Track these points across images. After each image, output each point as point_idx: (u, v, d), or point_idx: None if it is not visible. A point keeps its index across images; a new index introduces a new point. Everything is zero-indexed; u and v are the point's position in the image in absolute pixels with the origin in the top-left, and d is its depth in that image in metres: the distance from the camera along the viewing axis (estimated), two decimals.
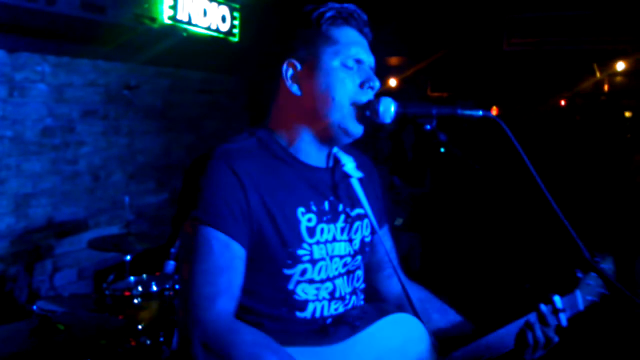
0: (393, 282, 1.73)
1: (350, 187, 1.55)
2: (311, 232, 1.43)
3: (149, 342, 3.12)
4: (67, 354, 2.46)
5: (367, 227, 1.60)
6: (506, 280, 4.99)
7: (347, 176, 1.55)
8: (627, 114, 8.89)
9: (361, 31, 1.48)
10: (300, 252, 1.41)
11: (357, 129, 1.45)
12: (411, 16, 7.68)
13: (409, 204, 5.02)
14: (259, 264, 1.38)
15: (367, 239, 1.61)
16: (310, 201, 1.45)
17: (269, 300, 1.39)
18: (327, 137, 1.47)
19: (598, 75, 8.26)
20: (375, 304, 1.65)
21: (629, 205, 5.90)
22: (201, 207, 1.33)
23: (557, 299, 1.60)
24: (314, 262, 1.43)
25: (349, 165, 1.56)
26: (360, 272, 1.59)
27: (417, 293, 1.70)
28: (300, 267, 1.41)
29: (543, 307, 1.56)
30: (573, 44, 7.29)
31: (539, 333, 1.55)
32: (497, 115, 1.44)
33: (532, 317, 1.57)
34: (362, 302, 1.59)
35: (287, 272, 1.40)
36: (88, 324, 2.77)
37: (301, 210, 1.42)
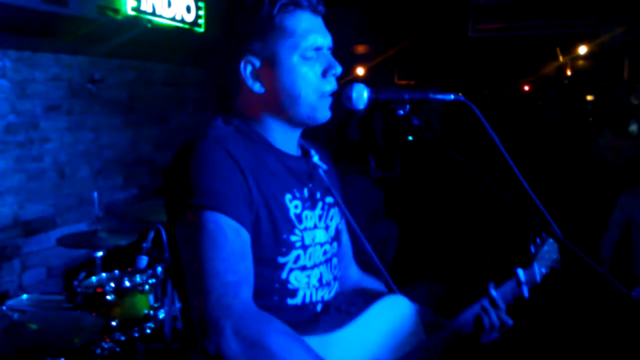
0: (350, 273, 1.77)
1: (320, 176, 1.57)
2: (298, 218, 1.44)
3: (123, 339, 3.09)
4: (40, 354, 2.42)
5: (338, 215, 1.62)
6: (470, 258, 5.09)
7: (317, 166, 1.57)
8: (589, 97, 9.06)
9: (315, 11, 1.44)
10: (293, 238, 1.42)
11: (326, 115, 1.46)
12: (377, 4, 7.69)
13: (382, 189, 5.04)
14: (254, 253, 1.34)
15: (340, 226, 1.64)
16: (294, 188, 1.46)
17: (261, 290, 1.35)
18: (296, 125, 1.49)
19: (561, 59, 8.40)
20: (360, 289, 1.68)
21: (593, 186, 6.04)
22: (204, 193, 1.27)
23: (520, 272, 1.74)
24: (305, 247, 1.45)
25: (315, 156, 1.57)
26: (336, 260, 1.61)
27: (373, 285, 1.74)
28: (294, 253, 1.42)
29: (493, 292, 1.65)
30: (537, 29, 7.38)
31: (493, 317, 1.62)
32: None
33: (486, 302, 1.64)
34: (339, 289, 1.61)
35: (281, 260, 1.40)
36: (60, 323, 2.72)
37: (288, 196, 1.43)
